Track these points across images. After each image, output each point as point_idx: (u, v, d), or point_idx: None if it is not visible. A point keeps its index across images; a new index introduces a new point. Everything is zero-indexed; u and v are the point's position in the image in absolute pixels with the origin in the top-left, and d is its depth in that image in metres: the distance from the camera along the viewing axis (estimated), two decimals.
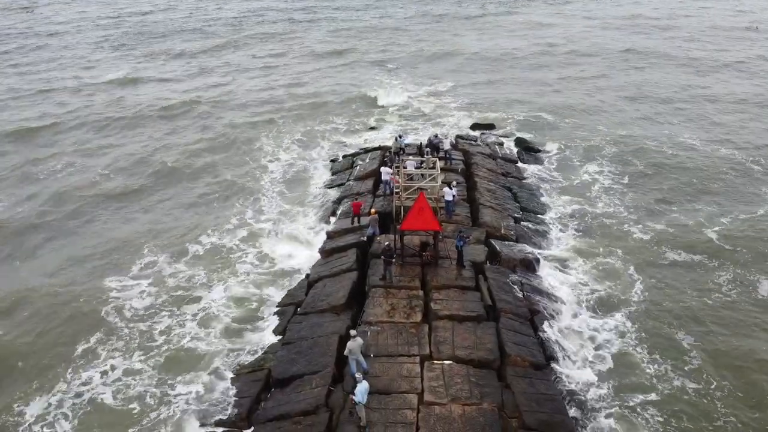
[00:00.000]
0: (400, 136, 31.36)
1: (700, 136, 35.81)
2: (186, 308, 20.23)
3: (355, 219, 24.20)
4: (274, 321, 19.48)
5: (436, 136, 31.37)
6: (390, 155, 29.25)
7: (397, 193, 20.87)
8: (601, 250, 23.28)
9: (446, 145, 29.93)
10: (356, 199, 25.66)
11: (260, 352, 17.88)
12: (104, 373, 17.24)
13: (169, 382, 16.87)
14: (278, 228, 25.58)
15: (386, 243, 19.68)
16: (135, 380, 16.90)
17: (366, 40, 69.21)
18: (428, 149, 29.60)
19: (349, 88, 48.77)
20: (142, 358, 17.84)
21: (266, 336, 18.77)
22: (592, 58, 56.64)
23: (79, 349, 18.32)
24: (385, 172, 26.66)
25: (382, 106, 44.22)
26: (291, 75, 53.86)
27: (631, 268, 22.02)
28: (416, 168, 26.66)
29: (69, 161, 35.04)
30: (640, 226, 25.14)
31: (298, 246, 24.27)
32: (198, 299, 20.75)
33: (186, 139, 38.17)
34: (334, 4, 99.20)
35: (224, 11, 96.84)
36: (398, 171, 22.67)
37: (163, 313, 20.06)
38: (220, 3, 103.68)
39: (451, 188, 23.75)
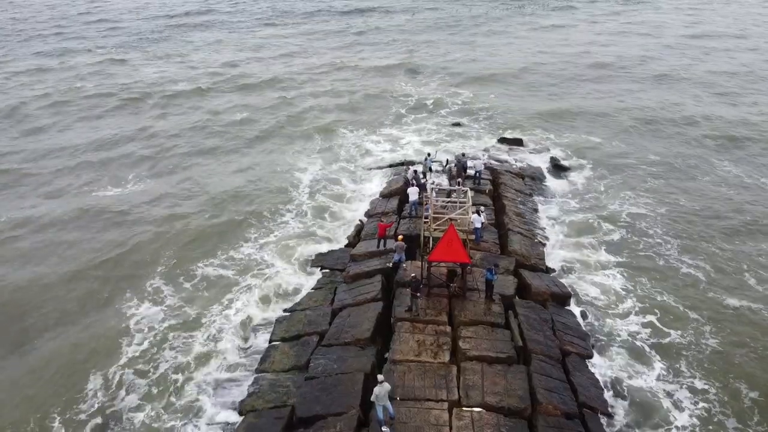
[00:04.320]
0: (429, 155, 30.64)
1: (757, 173, 33.11)
2: (194, 335, 19.79)
3: (381, 242, 23.65)
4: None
5: (463, 155, 30.65)
6: (417, 175, 28.56)
7: (425, 222, 20.21)
8: (642, 287, 22.20)
9: (479, 166, 29.25)
10: (382, 220, 25.09)
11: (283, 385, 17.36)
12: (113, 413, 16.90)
13: (188, 417, 16.52)
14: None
15: (413, 275, 19.07)
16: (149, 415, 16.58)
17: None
18: (454, 167, 29.02)
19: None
20: (152, 388, 17.50)
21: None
22: (642, 81, 52.24)
23: (87, 386, 17.82)
24: (413, 192, 26.08)
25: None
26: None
27: (689, 313, 20.65)
28: (444, 190, 26.08)
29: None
30: (684, 263, 23.78)
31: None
32: (206, 324, 20.34)
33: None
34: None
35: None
36: (427, 200, 22.02)
37: (172, 339, 19.65)
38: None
39: (479, 214, 23.07)
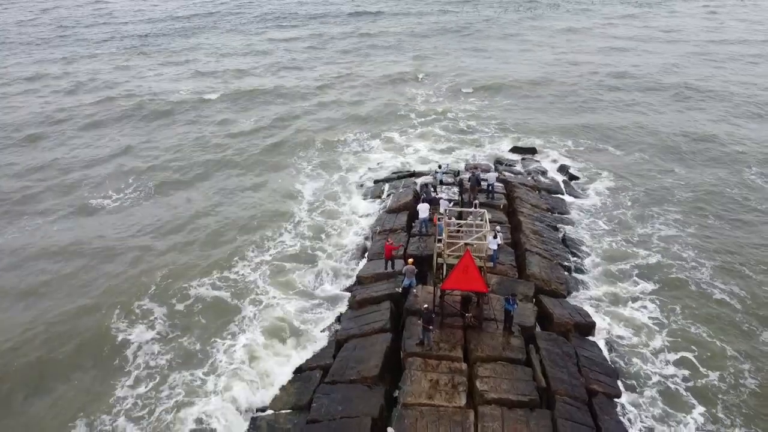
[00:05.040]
0: (440, 167, 29.06)
1: None
2: (195, 373, 18.11)
3: (388, 263, 22.12)
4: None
5: (476, 167, 29.07)
6: (427, 188, 27.00)
7: (439, 247, 18.58)
8: (673, 316, 20.42)
9: (491, 179, 27.61)
10: (388, 238, 23.51)
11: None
12: None
13: None
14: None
15: (425, 305, 17.49)
16: None
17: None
18: (468, 181, 27.43)
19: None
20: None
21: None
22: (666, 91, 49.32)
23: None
24: (423, 209, 24.53)
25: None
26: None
27: (726, 348, 18.82)
28: (453, 206, 24.53)
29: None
30: (717, 289, 21.97)
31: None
32: (207, 362, 18.68)
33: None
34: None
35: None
36: (440, 218, 20.39)
37: (171, 381, 17.90)
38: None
39: (496, 236, 21.45)
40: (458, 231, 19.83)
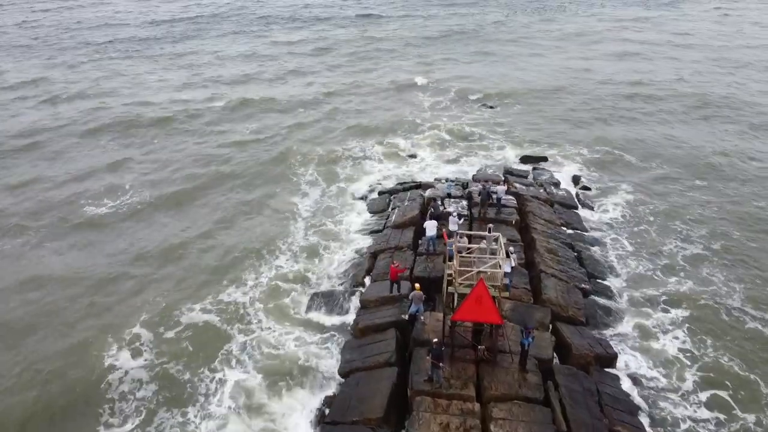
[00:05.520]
0: (447, 180, 27.61)
1: None
2: (186, 412, 16.81)
3: (394, 286, 20.69)
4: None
5: (487, 180, 27.59)
6: (435, 204, 25.55)
7: (449, 276, 17.08)
8: (704, 348, 18.92)
9: (501, 192, 26.07)
10: (394, 260, 22.04)
11: None
12: None
13: None
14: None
15: (435, 340, 16.03)
16: None
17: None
18: (478, 196, 25.94)
19: None
20: None
21: None
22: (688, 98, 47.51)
23: None
24: (430, 227, 23.07)
25: None
26: None
27: (761, 385, 17.36)
28: (462, 222, 23.06)
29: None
30: (748, 315, 20.44)
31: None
32: (198, 399, 17.35)
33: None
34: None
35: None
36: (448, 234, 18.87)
37: (158, 420, 16.61)
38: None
39: (509, 256, 19.88)
40: (469, 253, 18.33)
